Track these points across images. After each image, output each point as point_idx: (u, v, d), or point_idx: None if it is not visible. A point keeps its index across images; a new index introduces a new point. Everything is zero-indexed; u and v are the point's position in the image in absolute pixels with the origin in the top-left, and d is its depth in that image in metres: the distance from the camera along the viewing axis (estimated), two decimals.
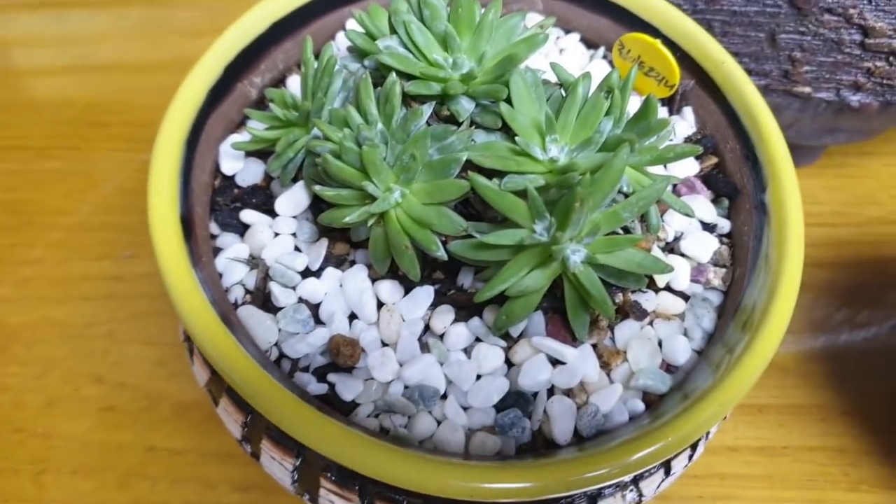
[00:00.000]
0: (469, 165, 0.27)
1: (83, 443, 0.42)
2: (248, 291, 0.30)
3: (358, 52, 0.32)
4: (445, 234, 0.27)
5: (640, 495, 0.26)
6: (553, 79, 0.31)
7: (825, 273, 0.47)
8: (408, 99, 0.29)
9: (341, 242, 0.31)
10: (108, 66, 0.63)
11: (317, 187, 0.28)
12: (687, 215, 0.28)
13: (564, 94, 0.28)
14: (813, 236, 0.48)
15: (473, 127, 0.28)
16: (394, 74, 0.28)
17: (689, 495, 0.39)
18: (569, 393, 0.27)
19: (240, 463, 0.41)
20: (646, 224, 0.28)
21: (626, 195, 0.27)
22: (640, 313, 0.28)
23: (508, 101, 0.28)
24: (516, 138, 0.27)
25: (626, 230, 0.29)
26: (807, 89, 0.40)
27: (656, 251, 0.30)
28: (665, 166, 0.32)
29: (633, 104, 0.34)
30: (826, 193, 0.50)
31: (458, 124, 0.28)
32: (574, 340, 0.28)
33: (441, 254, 0.26)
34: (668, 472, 0.27)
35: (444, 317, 0.28)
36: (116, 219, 0.52)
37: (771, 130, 0.31)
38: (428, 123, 0.28)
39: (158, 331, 0.46)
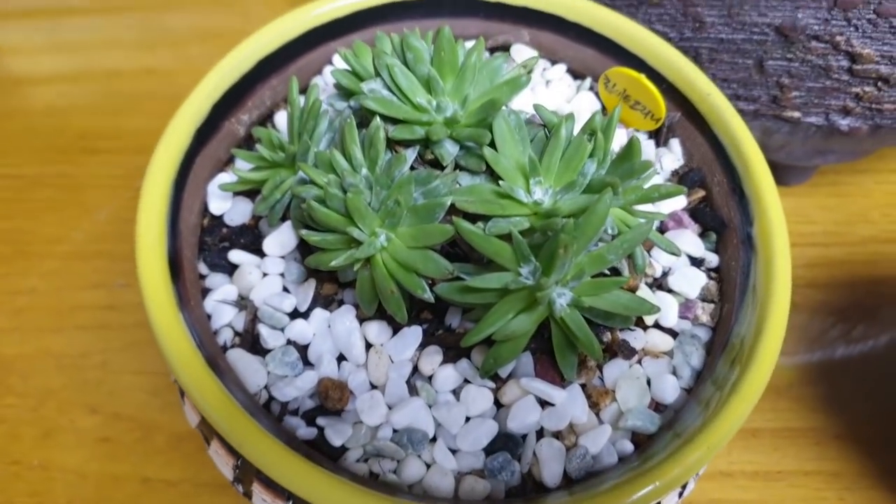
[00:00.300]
0: (454, 208, 0.27)
1: (79, 475, 0.42)
2: (236, 333, 0.30)
3: (343, 92, 0.32)
4: (431, 277, 0.27)
5: None
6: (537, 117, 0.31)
7: (819, 294, 0.47)
8: (392, 143, 0.29)
9: (329, 283, 0.31)
10: (99, 77, 0.63)
11: (303, 231, 0.28)
12: (673, 254, 0.28)
13: (548, 136, 0.28)
14: (806, 256, 0.48)
15: (458, 170, 0.28)
16: (378, 119, 0.28)
17: None
18: (558, 435, 0.27)
19: (234, 494, 0.41)
20: (632, 263, 0.28)
21: (613, 236, 0.27)
22: (628, 352, 0.28)
23: (492, 143, 0.28)
24: (500, 182, 0.27)
25: (614, 269, 0.29)
26: (796, 114, 0.40)
27: (644, 289, 0.30)
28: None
29: (620, 137, 0.34)
30: (818, 212, 0.50)
31: (443, 167, 0.28)
32: (562, 381, 0.28)
33: (428, 296, 0.27)
34: None
35: (432, 358, 0.28)
36: (110, 247, 0.52)
37: (757, 164, 0.31)
38: (413, 167, 0.28)
39: (152, 360, 0.46)
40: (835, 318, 0.46)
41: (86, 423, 0.44)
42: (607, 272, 0.27)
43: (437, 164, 0.29)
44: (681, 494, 0.28)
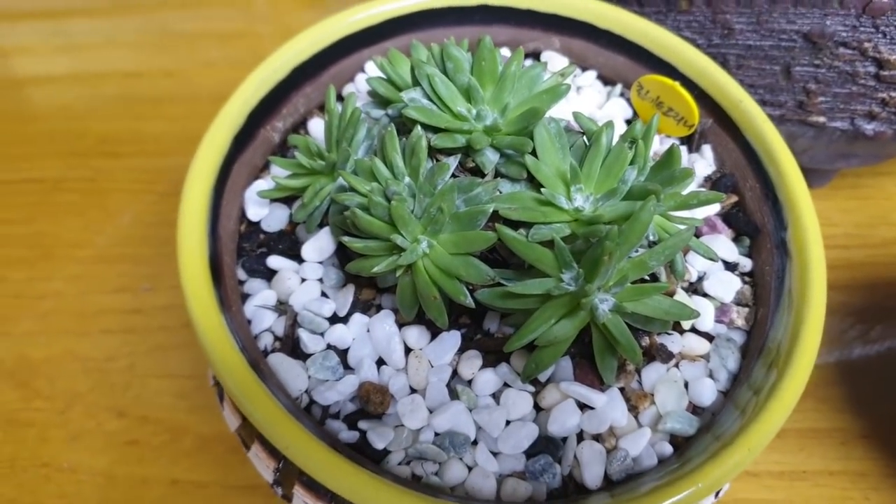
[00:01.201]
0: (495, 215, 0.27)
1: (108, 477, 0.43)
2: (277, 338, 0.30)
3: (380, 100, 0.32)
4: (473, 283, 0.27)
5: None
6: (575, 123, 0.31)
7: (839, 296, 0.47)
8: (433, 151, 0.29)
9: (368, 288, 0.31)
10: (119, 81, 0.63)
11: (345, 238, 0.28)
12: (710, 259, 0.29)
13: (588, 143, 0.28)
14: (826, 258, 0.48)
15: (498, 178, 0.29)
16: (419, 128, 0.28)
17: None
18: (598, 437, 0.27)
19: (263, 495, 0.41)
20: (671, 268, 0.29)
21: (653, 243, 0.28)
22: (666, 356, 0.29)
23: (533, 151, 0.28)
24: (542, 189, 0.27)
25: (652, 275, 0.29)
26: (821, 119, 0.40)
27: (680, 293, 0.30)
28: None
29: (653, 143, 0.34)
30: (839, 215, 0.50)
31: (483, 175, 0.29)
32: (601, 384, 0.28)
33: (469, 302, 0.27)
34: None
35: (471, 362, 0.29)
36: (133, 251, 0.52)
37: (791, 170, 0.31)
38: (454, 175, 0.29)
39: (178, 363, 0.47)
40: (854, 318, 0.46)
41: (113, 426, 0.45)
42: (647, 278, 0.28)
43: (477, 172, 0.29)
44: (717, 495, 0.29)
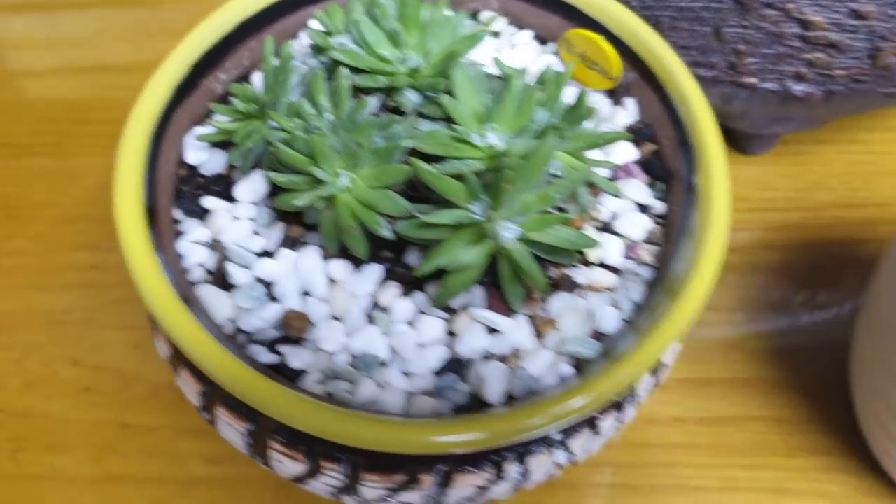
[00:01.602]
0: (415, 152, 0.29)
1: (60, 421, 0.44)
2: (208, 272, 0.32)
3: (317, 50, 0.34)
4: (390, 215, 0.29)
5: (571, 453, 0.28)
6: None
7: (777, 255, 0.49)
8: (358, 92, 0.30)
9: (296, 225, 0.32)
10: (94, 68, 0.64)
11: (271, 173, 0.30)
12: (614, 195, 0.30)
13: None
14: (766, 220, 0.51)
15: (419, 117, 0.30)
16: (344, 69, 0.29)
17: (637, 462, 0.41)
18: (503, 359, 0.29)
19: (211, 439, 0.42)
20: (577, 204, 0.30)
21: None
22: (572, 286, 0.30)
23: (453, 94, 0.30)
24: (456, 127, 0.29)
25: (561, 210, 0.31)
26: (752, 80, 0.42)
27: (590, 230, 0.32)
28: (605, 152, 0.34)
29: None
30: (780, 180, 0.52)
31: (404, 114, 0.30)
32: (510, 311, 0.30)
33: (386, 233, 0.28)
34: (595, 431, 0.29)
35: (390, 292, 0.30)
36: (96, 211, 0.54)
37: (702, 118, 0.32)
38: (377, 114, 0.30)
39: (134, 316, 0.48)
40: (791, 277, 0.48)
41: (68, 374, 0.46)
42: (553, 211, 0.29)
43: (399, 112, 0.31)
44: (620, 420, 0.30)
